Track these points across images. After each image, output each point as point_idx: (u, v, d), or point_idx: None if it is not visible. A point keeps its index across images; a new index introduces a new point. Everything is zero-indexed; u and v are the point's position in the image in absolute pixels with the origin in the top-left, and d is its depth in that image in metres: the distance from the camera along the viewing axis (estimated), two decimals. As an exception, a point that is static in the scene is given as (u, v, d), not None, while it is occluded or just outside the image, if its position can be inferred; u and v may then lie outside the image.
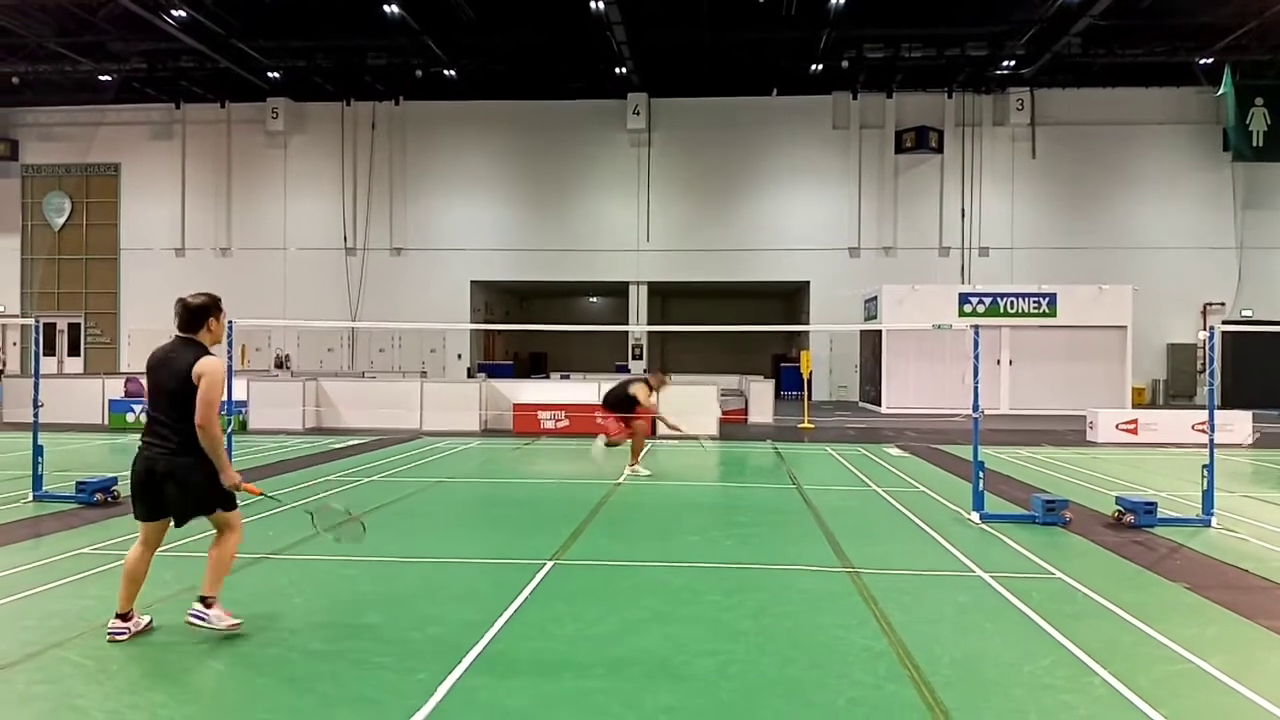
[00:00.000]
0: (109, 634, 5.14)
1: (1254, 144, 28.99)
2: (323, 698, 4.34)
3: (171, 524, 5.26)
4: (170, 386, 5.08)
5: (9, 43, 27.98)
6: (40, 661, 4.82)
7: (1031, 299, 25.54)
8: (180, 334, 5.28)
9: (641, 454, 12.96)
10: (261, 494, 5.47)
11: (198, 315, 5.27)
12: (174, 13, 25.14)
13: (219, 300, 5.41)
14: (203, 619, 5.16)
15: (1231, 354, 27.37)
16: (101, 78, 30.68)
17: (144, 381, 5.38)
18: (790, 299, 37.21)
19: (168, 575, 6.62)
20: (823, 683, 4.62)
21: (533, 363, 37.50)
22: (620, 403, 12.71)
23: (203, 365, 5.04)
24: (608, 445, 12.73)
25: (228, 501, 5.22)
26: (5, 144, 33.76)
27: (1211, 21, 25.54)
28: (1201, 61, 28.25)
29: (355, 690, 4.44)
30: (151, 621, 5.35)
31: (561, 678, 4.70)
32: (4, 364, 15.13)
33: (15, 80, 30.71)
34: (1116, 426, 18.19)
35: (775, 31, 27.00)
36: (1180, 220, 30.67)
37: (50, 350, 33.20)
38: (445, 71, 30.09)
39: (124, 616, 5.18)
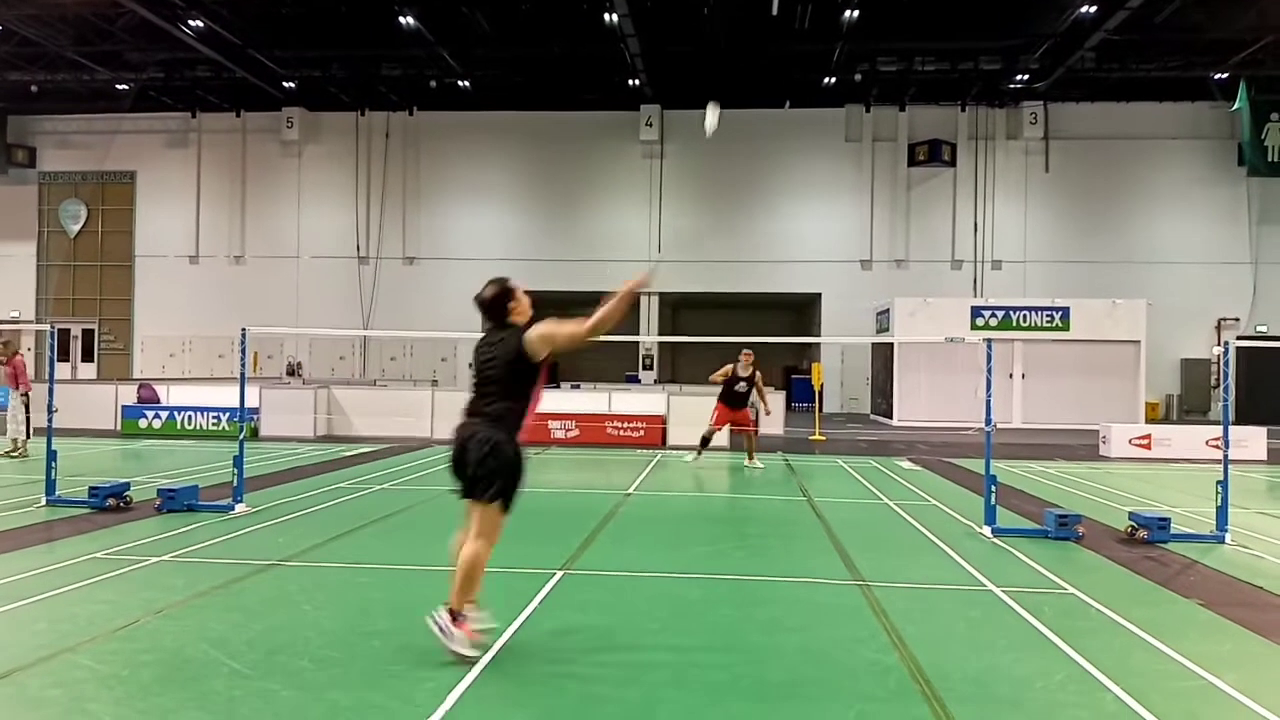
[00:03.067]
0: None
1: (1269, 159, 28.86)
2: (332, 705, 4.34)
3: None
4: (498, 373, 5.01)
5: (29, 51, 28.27)
6: (52, 665, 4.83)
7: (1044, 313, 25.48)
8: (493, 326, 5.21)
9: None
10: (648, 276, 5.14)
11: (496, 305, 5.19)
12: (191, 23, 25.36)
13: (507, 283, 5.26)
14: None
15: (1246, 370, 27.25)
16: (118, 86, 30.96)
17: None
18: (802, 311, 37.15)
19: (179, 581, 6.65)
20: (833, 696, 4.59)
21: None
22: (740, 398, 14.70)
23: (531, 333, 4.97)
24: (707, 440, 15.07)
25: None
26: (23, 151, 34.07)
27: (1226, 36, 25.48)
28: (1216, 76, 28.20)
29: (365, 698, 4.44)
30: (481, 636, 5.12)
31: (571, 688, 4.68)
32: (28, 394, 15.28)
33: (34, 88, 31.03)
34: (1130, 441, 18.09)
35: (788, 44, 27.06)
36: (1195, 235, 30.55)
37: (64, 356, 33.42)
38: (459, 82, 30.24)
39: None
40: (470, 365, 5.23)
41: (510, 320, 5.16)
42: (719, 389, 14.84)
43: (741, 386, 14.53)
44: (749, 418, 15.04)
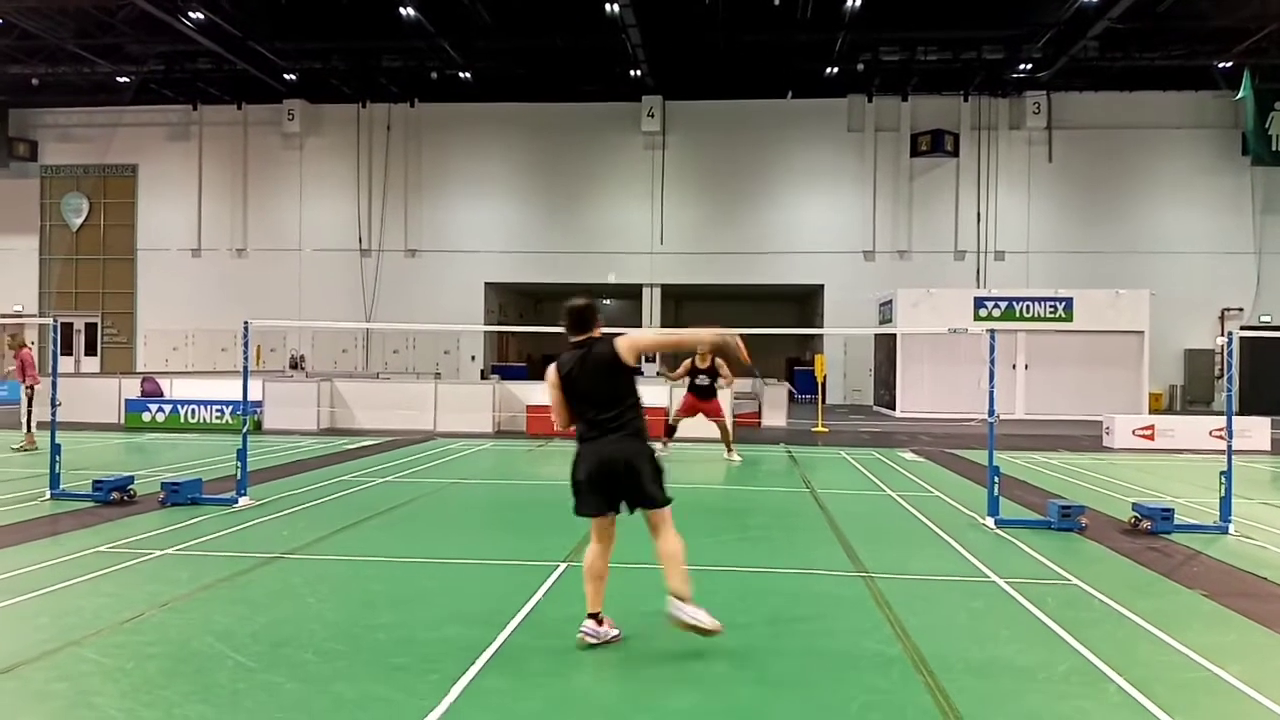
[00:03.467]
0: (580, 634, 5.14)
1: (1273, 148, 28.73)
2: (337, 698, 4.35)
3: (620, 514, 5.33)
4: (603, 385, 5.17)
5: (29, 45, 28.23)
6: (57, 659, 4.84)
7: (1048, 303, 25.40)
8: (576, 339, 5.30)
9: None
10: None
11: (590, 313, 5.29)
12: (191, 15, 25.31)
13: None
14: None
15: (1250, 360, 27.17)
16: (119, 79, 30.91)
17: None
18: (804, 302, 37.14)
19: (184, 574, 6.66)
20: (836, 687, 4.60)
21: (546, 364, 37.34)
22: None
23: (620, 341, 5.18)
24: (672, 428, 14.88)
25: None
26: (25, 145, 34.04)
27: (1230, 25, 25.36)
28: (1220, 65, 28.07)
29: (370, 690, 4.45)
30: (620, 635, 5.28)
31: (575, 679, 4.70)
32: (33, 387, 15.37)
33: (35, 81, 30.99)
34: (1133, 432, 18.06)
35: (790, 34, 26.95)
36: (1198, 225, 30.46)
37: (67, 350, 33.42)
38: (460, 74, 30.19)
39: (595, 618, 5.21)
40: (565, 390, 5.29)
41: (593, 332, 5.30)
42: (697, 388, 14.33)
43: (703, 379, 14.17)
44: (719, 408, 14.58)
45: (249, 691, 4.42)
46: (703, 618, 5.01)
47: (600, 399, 5.16)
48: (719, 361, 14.10)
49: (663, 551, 5.18)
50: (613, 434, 5.12)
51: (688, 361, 14.27)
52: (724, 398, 15.14)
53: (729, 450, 14.60)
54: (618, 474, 5.10)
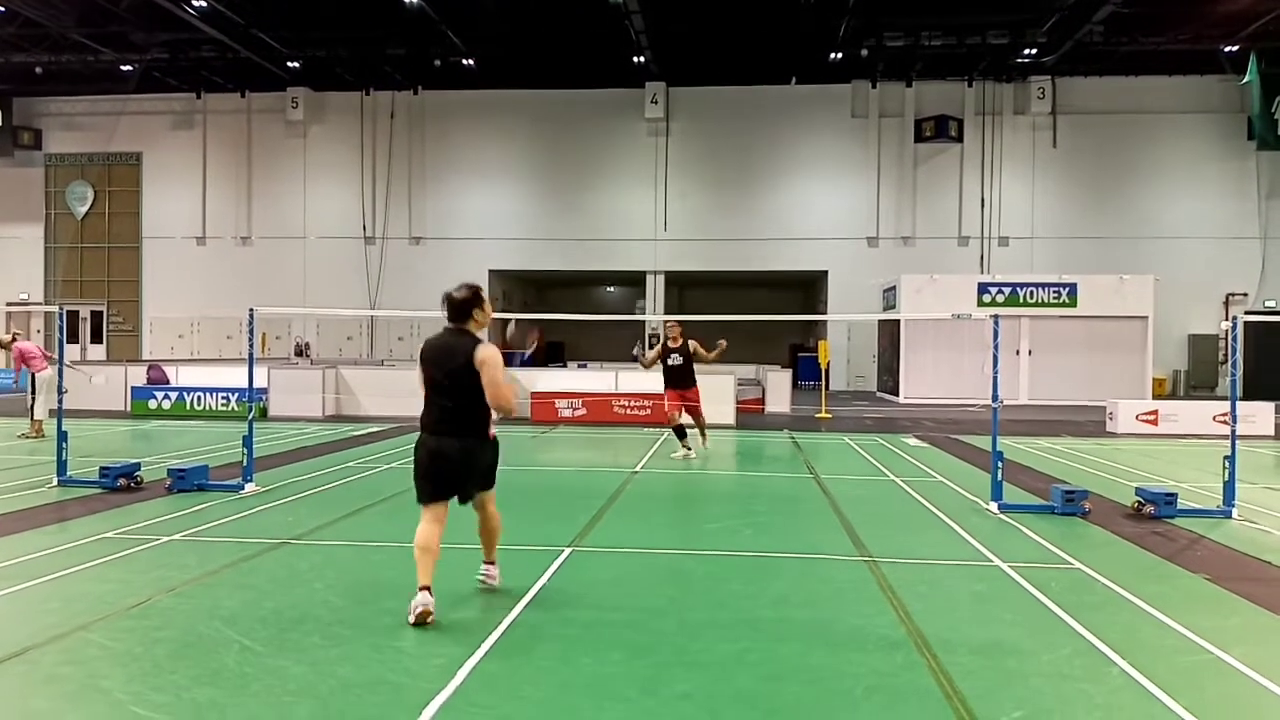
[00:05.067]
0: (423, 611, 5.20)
1: (1279, 133, 28.59)
2: (343, 681, 4.38)
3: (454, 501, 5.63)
4: (454, 374, 5.39)
5: (33, 33, 28.20)
6: (65, 643, 4.88)
7: (1051, 289, 25.36)
8: (451, 325, 5.54)
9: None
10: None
11: (464, 307, 5.50)
12: (194, 3, 25.26)
13: (480, 290, 5.63)
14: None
15: (1254, 345, 27.07)
16: (123, 67, 30.87)
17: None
18: (808, 288, 37.09)
19: (190, 560, 6.70)
20: (841, 671, 4.62)
21: (550, 351, 37.49)
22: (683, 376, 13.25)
23: (481, 353, 5.34)
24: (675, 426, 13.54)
25: (491, 482, 5.83)
26: (29, 133, 34.04)
27: (1237, 9, 25.18)
28: (1226, 49, 27.89)
29: (375, 673, 4.48)
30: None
31: (579, 664, 4.72)
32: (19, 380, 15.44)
33: (39, 70, 30.94)
34: (1137, 417, 18.06)
35: (794, 20, 26.83)
36: (1203, 210, 30.34)
37: (73, 338, 33.49)
38: (464, 61, 30.10)
39: (428, 590, 5.33)
40: (422, 369, 5.53)
41: (469, 326, 5.54)
42: (672, 372, 13.26)
43: (675, 359, 13.11)
44: (698, 396, 13.46)
45: (256, 675, 4.45)
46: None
47: (446, 389, 5.42)
48: (693, 345, 13.22)
49: (495, 526, 5.95)
50: (446, 426, 5.43)
51: (659, 346, 13.40)
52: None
53: (704, 439, 13.70)
54: (449, 466, 5.45)
